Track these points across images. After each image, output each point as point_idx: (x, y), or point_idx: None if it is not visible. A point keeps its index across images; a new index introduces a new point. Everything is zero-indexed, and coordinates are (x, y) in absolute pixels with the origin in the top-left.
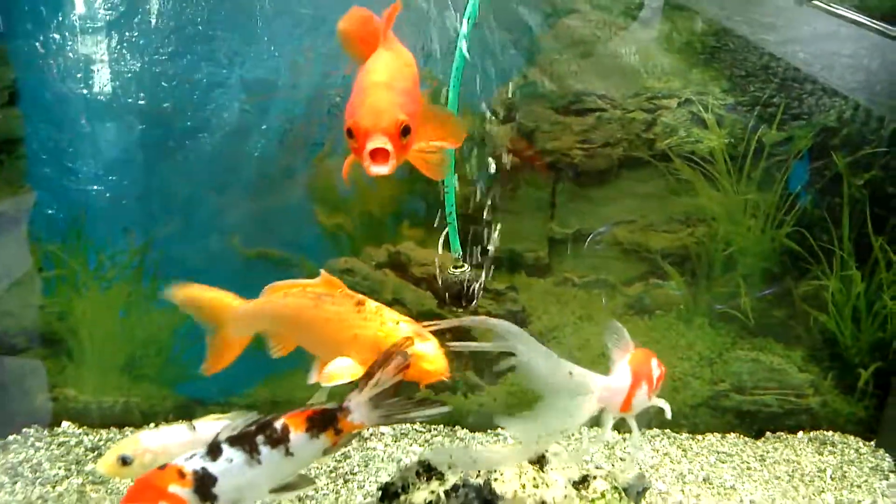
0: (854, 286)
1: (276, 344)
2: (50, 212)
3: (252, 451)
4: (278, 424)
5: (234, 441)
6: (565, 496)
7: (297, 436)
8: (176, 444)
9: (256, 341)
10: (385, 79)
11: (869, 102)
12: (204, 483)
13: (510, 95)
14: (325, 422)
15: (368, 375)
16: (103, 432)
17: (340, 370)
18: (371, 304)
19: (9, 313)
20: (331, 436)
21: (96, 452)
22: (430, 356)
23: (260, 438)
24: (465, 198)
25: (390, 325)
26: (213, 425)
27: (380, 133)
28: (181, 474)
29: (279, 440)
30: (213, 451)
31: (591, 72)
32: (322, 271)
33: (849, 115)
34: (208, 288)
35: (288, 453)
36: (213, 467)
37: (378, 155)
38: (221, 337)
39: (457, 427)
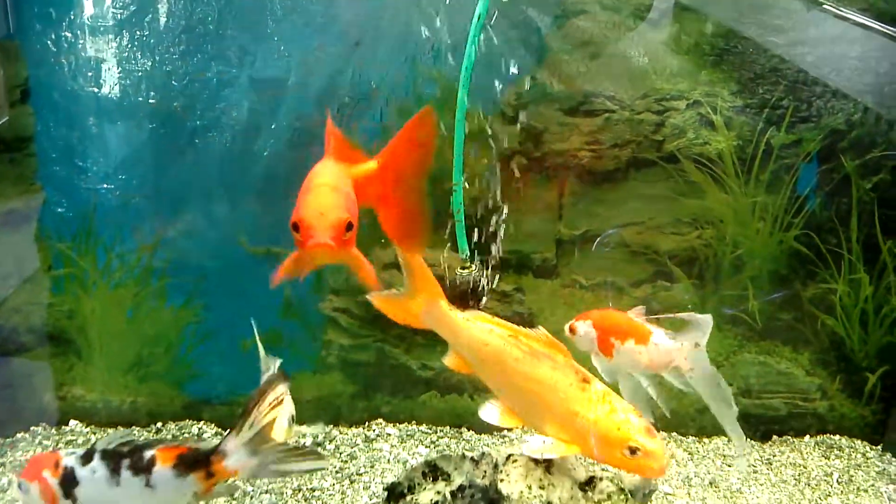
0: (862, 289)
1: (453, 360)
2: (60, 210)
3: (115, 470)
4: (148, 454)
5: (104, 454)
6: (571, 497)
7: (161, 469)
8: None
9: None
10: (330, 181)
11: (877, 105)
12: (67, 481)
13: (518, 96)
14: (195, 462)
15: (244, 415)
16: (110, 431)
17: (548, 449)
18: (597, 386)
19: (18, 311)
20: (201, 478)
21: None
22: (658, 454)
23: (125, 461)
24: (473, 199)
25: (621, 415)
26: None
27: (324, 229)
28: (56, 465)
29: (142, 469)
30: (86, 455)
31: (600, 73)
32: (542, 328)
33: (857, 117)
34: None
35: (148, 485)
36: (80, 471)
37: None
38: (405, 304)
39: (462, 428)
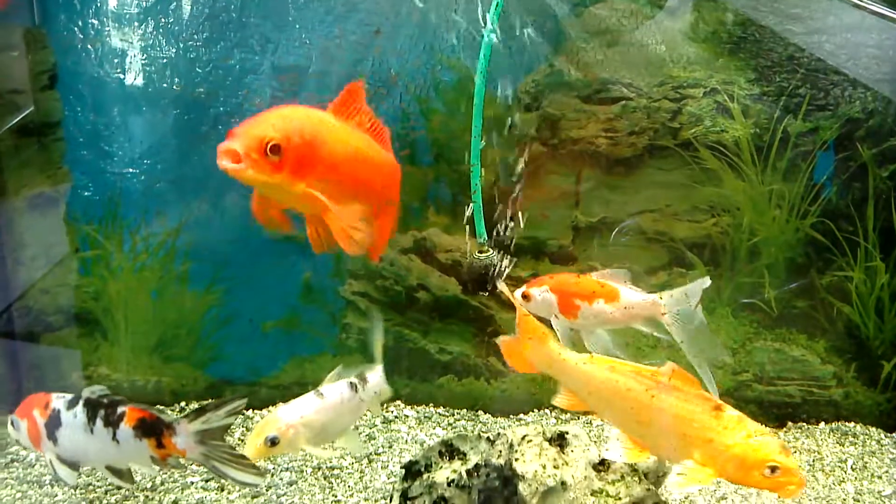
0: (878, 277)
1: (565, 401)
2: (87, 194)
3: (91, 419)
4: (120, 410)
5: (86, 403)
6: (585, 477)
7: (125, 428)
8: (312, 412)
9: (284, 324)
10: (306, 111)
11: (894, 94)
12: (52, 422)
13: (535, 83)
14: (151, 429)
15: (201, 411)
16: None
17: (691, 480)
18: (731, 412)
19: (46, 292)
20: (153, 445)
21: None
22: (796, 470)
23: (101, 412)
24: (491, 184)
25: (758, 437)
26: (337, 386)
27: (236, 136)
28: (46, 406)
29: (112, 423)
30: (72, 402)
31: (618, 60)
32: (671, 363)
33: (874, 106)
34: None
35: (114, 439)
36: (64, 415)
37: (227, 157)
38: (518, 348)
39: (479, 412)
